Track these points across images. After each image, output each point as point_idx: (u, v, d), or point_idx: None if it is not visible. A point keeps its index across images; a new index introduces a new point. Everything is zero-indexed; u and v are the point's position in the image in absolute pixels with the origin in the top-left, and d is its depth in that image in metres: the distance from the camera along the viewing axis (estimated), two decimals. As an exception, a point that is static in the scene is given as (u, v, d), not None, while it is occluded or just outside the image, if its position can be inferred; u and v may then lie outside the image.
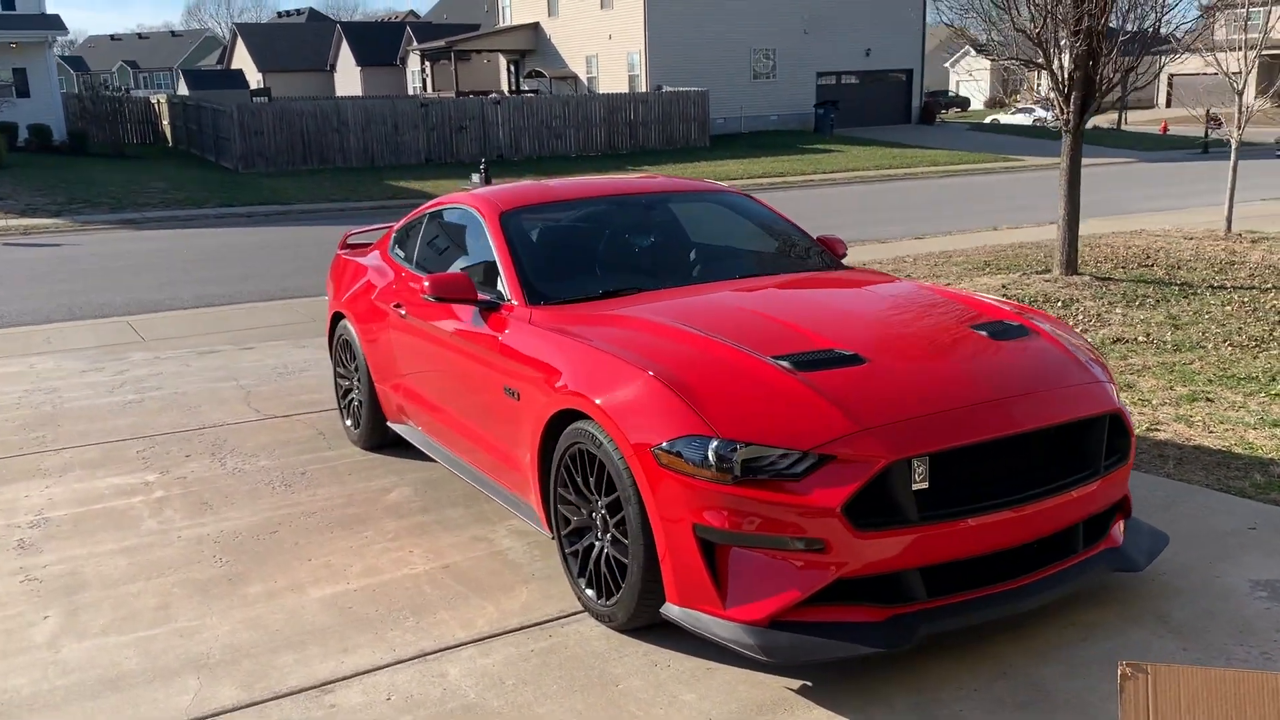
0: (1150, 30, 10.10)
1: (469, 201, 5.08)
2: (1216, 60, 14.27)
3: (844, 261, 5.13)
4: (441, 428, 4.93)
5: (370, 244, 6.57)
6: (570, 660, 3.52)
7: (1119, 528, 3.73)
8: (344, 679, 3.47)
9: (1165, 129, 44.96)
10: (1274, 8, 14.44)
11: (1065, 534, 3.48)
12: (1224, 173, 14.98)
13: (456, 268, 4.99)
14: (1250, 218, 16.46)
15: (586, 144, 33.06)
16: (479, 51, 46.22)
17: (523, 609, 3.91)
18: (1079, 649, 3.41)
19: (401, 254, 5.67)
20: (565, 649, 3.59)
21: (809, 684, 3.28)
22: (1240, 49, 14.33)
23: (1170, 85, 64.22)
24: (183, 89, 55.90)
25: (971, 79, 79.29)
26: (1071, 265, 10.55)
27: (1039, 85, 74.65)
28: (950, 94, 71.24)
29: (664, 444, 3.26)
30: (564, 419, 3.79)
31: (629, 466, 3.38)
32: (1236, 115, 14.57)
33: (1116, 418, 3.56)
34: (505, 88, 45.48)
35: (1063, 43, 9.79)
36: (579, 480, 3.74)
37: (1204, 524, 4.41)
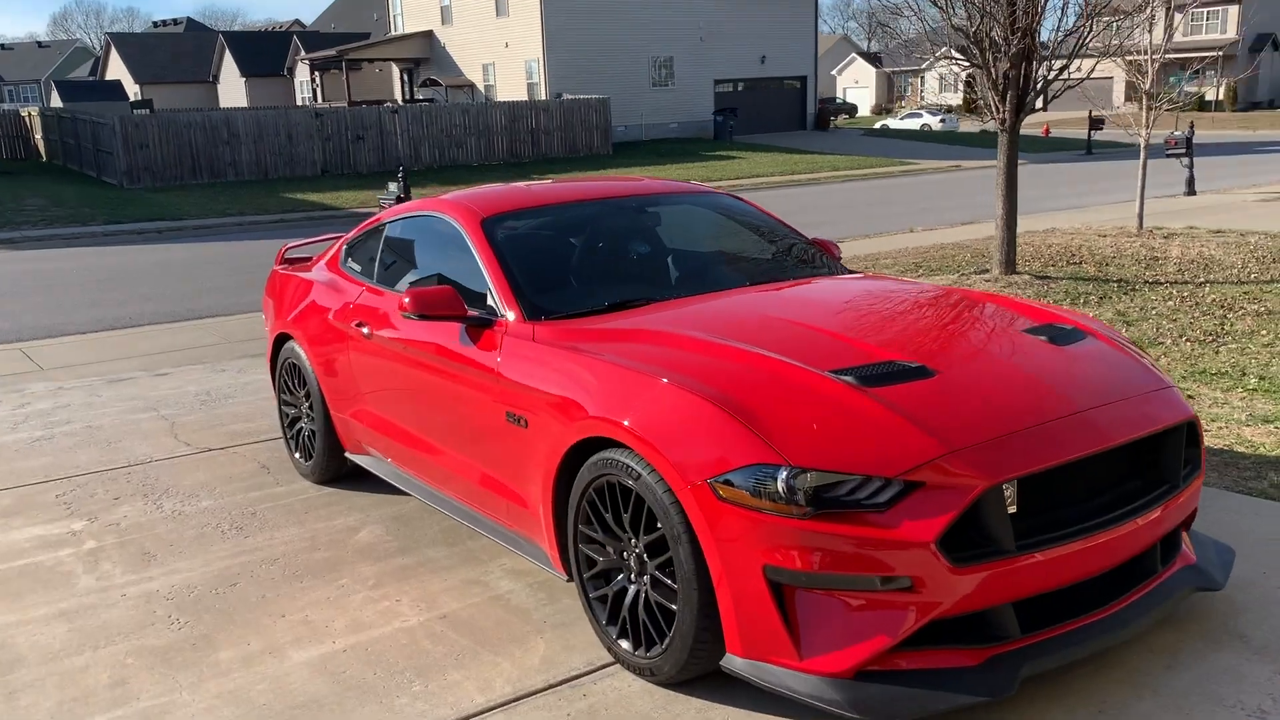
0: (1083, 28, 10.13)
1: (440, 208, 4.61)
2: (1125, 64, 14.54)
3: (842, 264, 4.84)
4: (420, 459, 4.45)
5: (311, 258, 6.04)
6: (616, 723, 3.10)
7: (1187, 542, 3.49)
8: (356, 762, 2.99)
9: (1047, 132, 46.44)
10: (1174, 12, 14.79)
11: (1144, 554, 3.21)
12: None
13: (430, 282, 4.51)
14: (1152, 214, 16.85)
15: (488, 153, 32.46)
16: (371, 60, 45.09)
17: (544, 664, 3.48)
18: (1169, 678, 3.15)
19: (358, 268, 5.16)
20: (606, 710, 3.17)
21: (893, 737, 2.94)
22: (1146, 53, 14.62)
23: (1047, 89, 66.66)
24: (55, 101, 53.22)
25: (857, 86, 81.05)
26: (1010, 264, 10.53)
27: (923, 93, 76.62)
28: (838, 100, 72.54)
29: (724, 475, 2.88)
30: (587, 448, 3.38)
31: (679, 501, 2.99)
32: (1144, 116, 14.88)
33: (1192, 425, 3.32)
34: (399, 97, 44.45)
35: (999, 42, 9.73)
36: (608, 517, 3.33)
37: (1238, 530, 4.23)
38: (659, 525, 3.11)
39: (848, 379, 3.07)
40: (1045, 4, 9.59)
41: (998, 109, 10.06)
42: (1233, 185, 23.25)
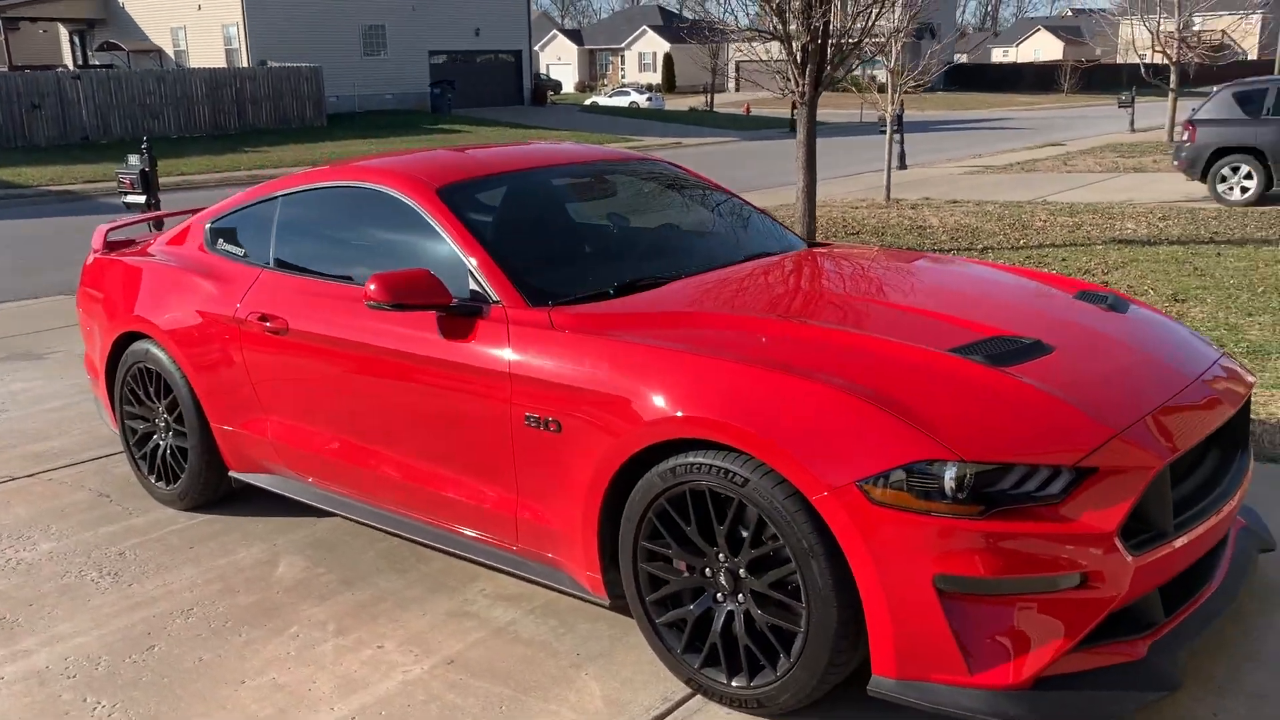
0: (874, 7, 10.44)
1: (370, 178, 3.90)
2: (871, 45, 15.27)
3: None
4: (367, 475, 3.76)
5: (139, 240, 5.04)
6: (743, 768, 2.70)
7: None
8: None
9: (748, 110, 48.77)
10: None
11: (1220, 521, 3.19)
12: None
13: (364, 265, 3.81)
14: (880, 187, 17.83)
15: (189, 124, 29.70)
16: (34, 20, 39.88)
17: (611, 707, 2.99)
18: (1256, 644, 3.15)
19: (239, 251, 4.31)
20: (721, 753, 2.76)
21: (1045, 742, 2.73)
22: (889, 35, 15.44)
23: (739, 70, 70.28)
24: None
25: (560, 63, 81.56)
26: (811, 235, 10.74)
27: (623, 71, 78.29)
28: (544, 77, 72.66)
29: (879, 475, 2.54)
30: (655, 453, 2.92)
31: (812, 508, 2.62)
32: (890, 94, 15.76)
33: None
34: (70, 62, 39.68)
35: (798, 19, 9.84)
36: (688, 531, 2.90)
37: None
38: (774, 537, 2.72)
39: (976, 358, 2.81)
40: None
41: (798, 83, 10.18)
42: (933, 160, 25.25)
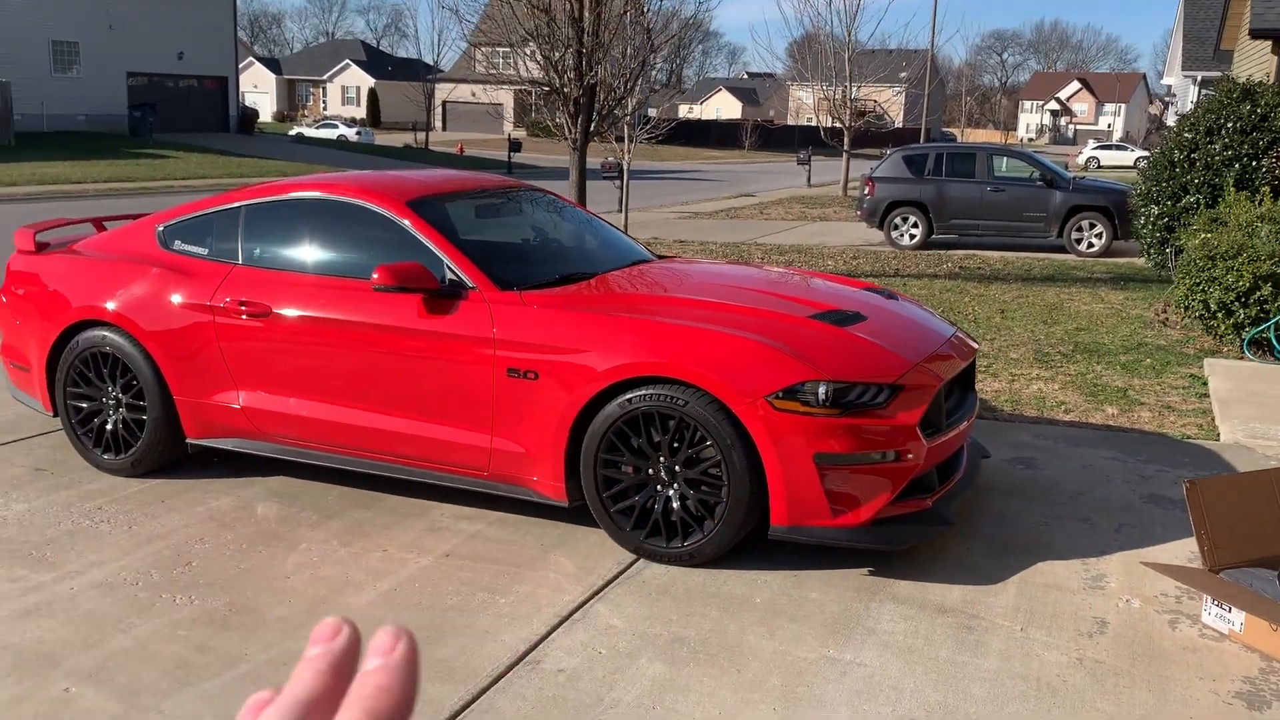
0: (635, 74, 12.10)
1: (343, 191, 4.87)
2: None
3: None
4: (344, 427, 4.70)
5: (69, 240, 5.62)
6: (697, 593, 3.98)
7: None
8: (529, 652, 3.53)
9: (461, 150, 49.94)
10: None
11: (958, 436, 4.87)
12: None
13: (342, 262, 4.79)
14: (617, 226, 19.70)
15: None
16: None
17: (583, 570, 4.19)
18: (983, 510, 4.83)
19: (203, 250, 5.09)
20: (673, 586, 4.03)
21: (873, 568, 4.23)
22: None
23: (445, 111, 71.52)
24: None
25: (256, 90, 79.06)
26: (580, 264, 12.18)
27: (325, 103, 77.01)
28: (241, 106, 70.21)
29: (780, 391, 3.94)
30: (612, 390, 4.18)
31: (735, 416, 3.98)
32: (627, 143, 17.61)
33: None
34: None
35: (570, 78, 11.32)
36: (638, 442, 4.16)
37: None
38: (703, 439, 4.05)
39: (825, 321, 4.29)
40: (605, 53, 11.40)
41: (570, 130, 11.64)
42: (647, 205, 27.59)
